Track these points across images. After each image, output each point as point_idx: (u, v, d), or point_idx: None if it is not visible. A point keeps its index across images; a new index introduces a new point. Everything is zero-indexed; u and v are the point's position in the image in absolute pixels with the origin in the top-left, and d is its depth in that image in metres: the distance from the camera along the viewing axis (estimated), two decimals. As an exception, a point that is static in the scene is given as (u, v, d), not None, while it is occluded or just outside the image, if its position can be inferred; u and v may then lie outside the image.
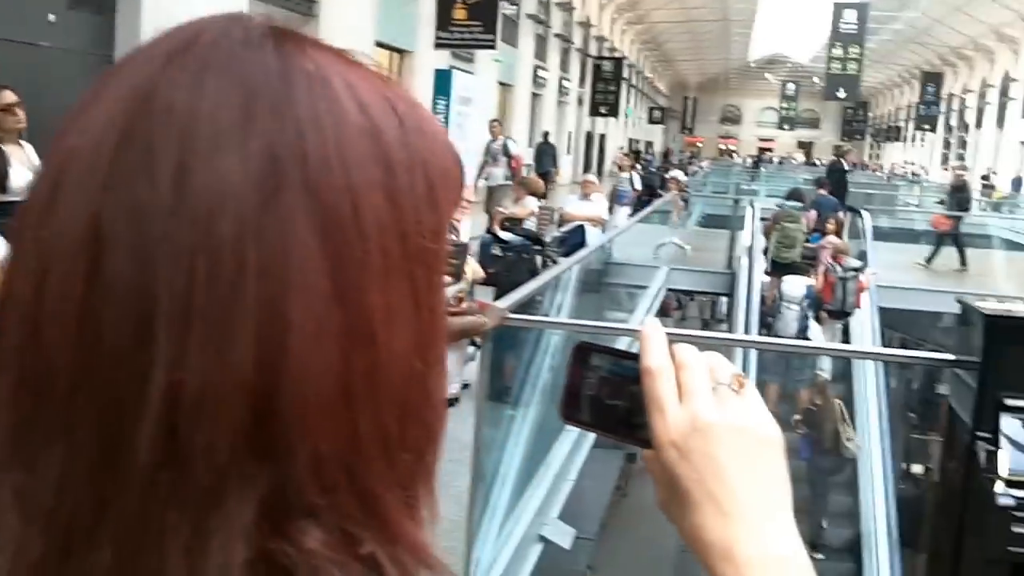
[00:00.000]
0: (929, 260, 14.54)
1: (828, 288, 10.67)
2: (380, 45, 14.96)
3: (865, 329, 10.93)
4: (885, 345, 10.87)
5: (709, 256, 13.51)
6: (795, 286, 10.71)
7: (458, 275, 3.05)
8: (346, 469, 0.46)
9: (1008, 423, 2.77)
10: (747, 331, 10.37)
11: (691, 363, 0.70)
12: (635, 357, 0.72)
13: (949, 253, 14.56)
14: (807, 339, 10.15)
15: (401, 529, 0.48)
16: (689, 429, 0.67)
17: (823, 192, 14.63)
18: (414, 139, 0.50)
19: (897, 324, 12.37)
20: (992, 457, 2.73)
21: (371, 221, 0.47)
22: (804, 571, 0.66)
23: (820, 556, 9.46)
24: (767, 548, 0.65)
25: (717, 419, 0.67)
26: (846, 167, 17.42)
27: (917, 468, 9.82)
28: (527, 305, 4.87)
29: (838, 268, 10.75)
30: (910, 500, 8.41)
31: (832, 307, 10.70)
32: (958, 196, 15.98)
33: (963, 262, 14.33)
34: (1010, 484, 2.67)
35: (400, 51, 16.49)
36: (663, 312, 14.73)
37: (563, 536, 5.30)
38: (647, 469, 0.71)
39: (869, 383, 9.61)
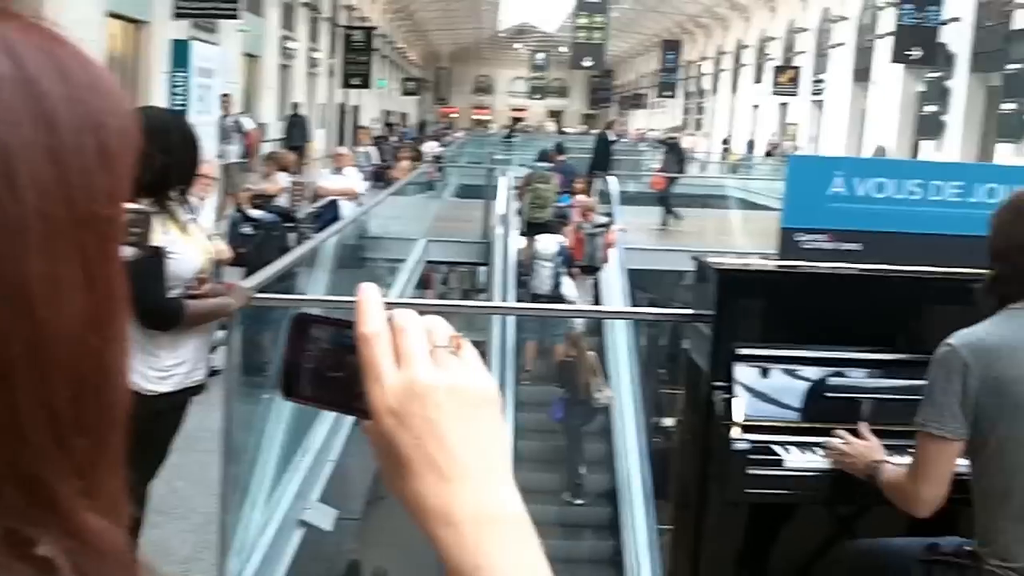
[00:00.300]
0: (664, 223, 15.30)
1: (579, 245, 11.13)
2: (113, 16, 14.03)
3: (615, 290, 11.41)
4: (634, 305, 11.38)
5: (466, 226, 13.65)
6: (548, 244, 11.12)
7: (140, 244, 2.87)
8: (7, 458, 0.42)
9: (741, 372, 2.92)
10: (504, 298, 10.62)
11: (407, 327, 0.68)
12: (353, 325, 0.69)
13: (685, 212, 15.41)
14: (560, 294, 10.62)
15: (80, 522, 0.44)
16: (407, 394, 0.66)
17: (561, 158, 15.51)
18: (85, 97, 0.46)
19: (646, 284, 12.97)
20: (728, 405, 2.86)
21: (28, 183, 0.43)
22: (522, 527, 0.67)
23: (580, 502, 9.87)
24: (486, 507, 0.66)
25: (435, 381, 0.66)
26: (611, 138, 18.03)
27: (668, 421, 10.39)
28: (281, 284, 4.71)
29: (587, 225, 11.24)
30: (661, 452, 8.84)
31: (583, 263, 11.18)
32: (672, 156, 16.85)
33: (667, 221, 15.15)
34: (745, 429, 2.81)
35: (136, 22, 15.55)
36: (424, 284, 14.77)
37: (325, 518, 5.20)
38: (369, 441, 0.69)
39: (619, 342, 10.06)
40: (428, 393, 0.66)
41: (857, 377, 2.98)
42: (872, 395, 2.95)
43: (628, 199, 14.93)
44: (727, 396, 2.88)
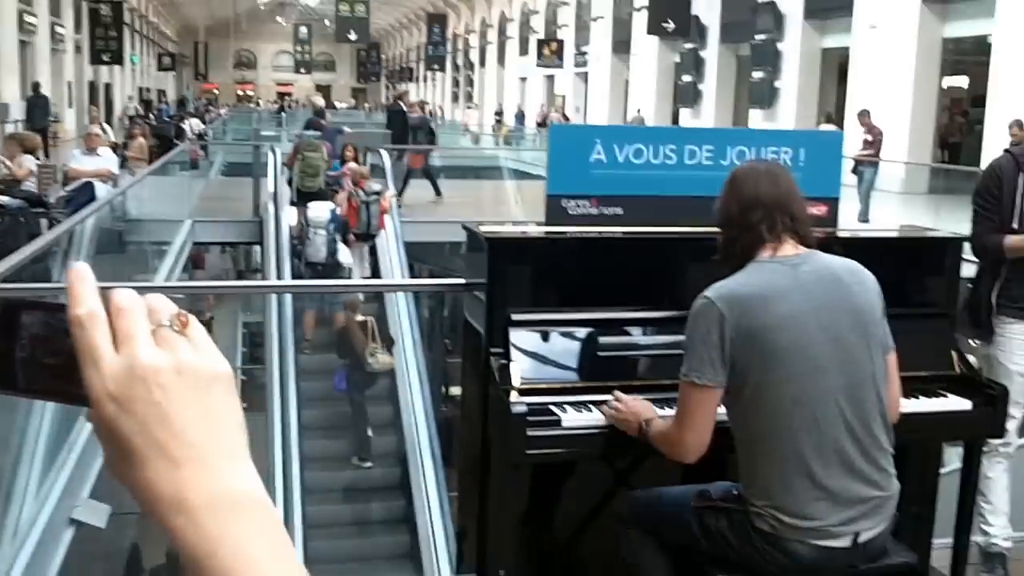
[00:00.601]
0: (439, 194, 15.38)
1: (353, 212, 11.09)
2: None
3: (393, 262, 11.40)
4: (414, 276, 11.42)
5: (236, 205, 13.22)
6: (320, 211, 11.08)
7: None
8: None
9: (517, 336, 2.98)
10: (279, 276, 10.43)
11: (125, 307, 0.64)
12: (67, 308, 0.64)
13: (461, 184, 15.55)
14: (337, 262, 10.64)
15: None
16: (127, 378, 0.62)
17: (324, 123, 15.45)
18: None
19: (424, 256, 13.02)
20: (505, 370, 2.92)
21: None
22: (261, 508, 0.64)
23: (368, 464, 9.89)
24: (221, 491, 0.62)
25: (158, 362, 0.62)
26: (404, 108, 17.77)
27: (454, 390, 10.54)
28: (31, 272, 4.41)
29: (360, 192, 11.19)
30: (450, 421, 8.96)
31: (359, 230, 11.16)
32: (420, 131, 16.93)
33: (437, 192, 15.33)
34: (523, 393, 2.87)
35: None
36: (195, 266, 14.22)
37: (97, 516, 4.94)
38: (93, 430, 0.64)
39: (401, 314, 10.07)
40: (151, 375, 0.62)
41: (627, 336, 3.10)
42: (643, 352, 3.08)
43: (400, 173, 14.89)
44: (504, 361, 2.94)
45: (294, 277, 10.82)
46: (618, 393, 2.84)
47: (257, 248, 13.47)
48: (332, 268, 10.75)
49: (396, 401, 9.80)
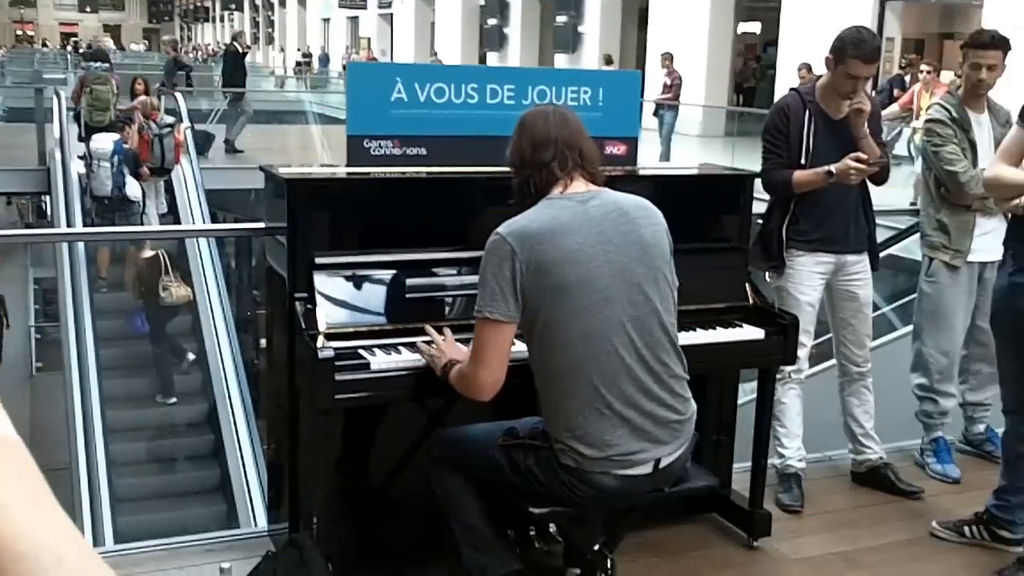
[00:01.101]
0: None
1: (145, 145, 10.74)
2: None
3: (194, 209, 11.04)
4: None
5: (19, 153, 12.39)
6: (103, 143, 10.66)
7: None
8: None
9: (321, 280, 2.91)
10: (70, 224, 9.94)
11: None
12: None
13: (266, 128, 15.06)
14: (125, 195, 10.32)
15: None
16: None
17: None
18: None
19: (228, 204, 12.58)
20: (311, 314, 2.85)
21: None
22: (13, 452, 0.60)
23: (172, 400, 9.68)
24: None
25: None
26: (240, 50, 16.90)
27: (264, 342, 10.32)
28: None
29: (152, 125, 10.86)
30: (263, 373, 8.78)
31: (152, 164, 10.83)
32: (177, 73, 16.37)
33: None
34: (330, 337, 2.81)
35: None
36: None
37: None
38: None
39: (205, 263, 9.77)
40: None
41: (434, 277, 3.08)
42: (449, 293, 3.07)
43: (201, 117, 14.30)
44: (310, 306, 2.87)
45: (83, 213, 10.44)
46: (430, 329, 2.83)
47: (46, 199, 12.71)
48: (119, 202, 10.34)
49: (201, 338, 9.54)
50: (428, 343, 2.80)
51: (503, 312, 2.48)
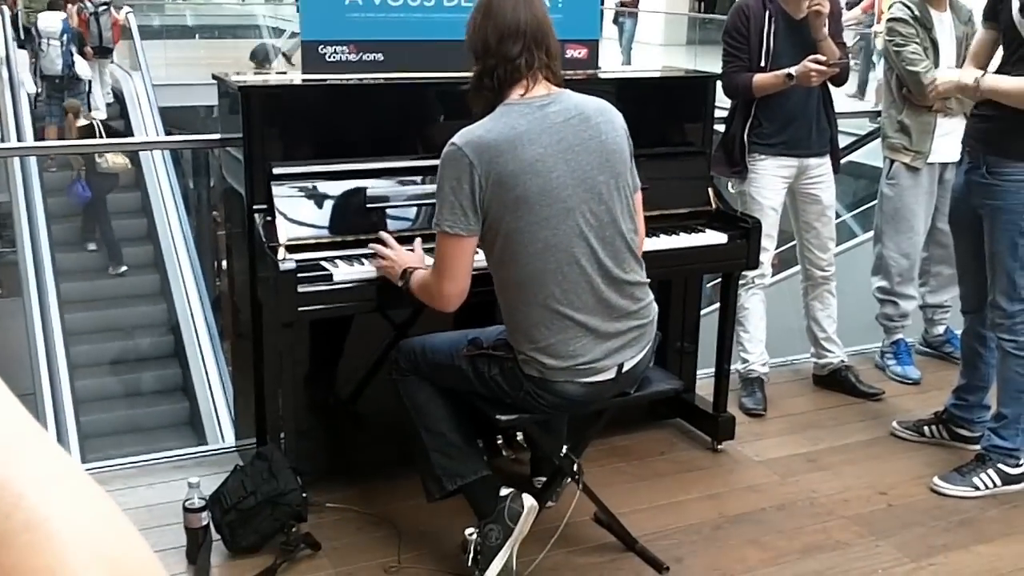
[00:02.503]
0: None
1: (84, 25, 11.03)
2: None
3: (147, 123, 10.86)
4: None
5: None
6: (51, 21, 10.82)
7: None
8: None
9: (279, 191, 2.86)
10: (20, 139, 9.78)
11: None
12: None
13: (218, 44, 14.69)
14: (75, 74, 10.74)
15: None
16: None
17: None
18: None
19: (182, 123, 12.32)
20: (270, 226, 2.80)
21: None
22: None
23: (123, 268, 10.08)
24: None
25: None
26: None
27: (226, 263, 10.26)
28: None
29: (88, 4, 11.12)
30: (226, 295, 8.72)
31: (92, 43, 11.14)
32: None
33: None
34: (290, 249, 2.77)
35: None
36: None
37: None
38: None
39: (163, 184, 9.64)
40: None
41: (395, 186, 3.03)
42: (411, 202, 3.02)
43: (152, 33, 13.91)
44: (269, 218, 2.82)
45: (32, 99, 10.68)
46: (383, 235, 2.78)
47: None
48: (70, 80, 10.66)
49: (162, 263, 9.45)
50: (371, 256, 2.76)
51: (464, 227, 2.43)
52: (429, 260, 2.65)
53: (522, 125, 2.44)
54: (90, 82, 10.85)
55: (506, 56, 2.48)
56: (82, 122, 10.00)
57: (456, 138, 2.44)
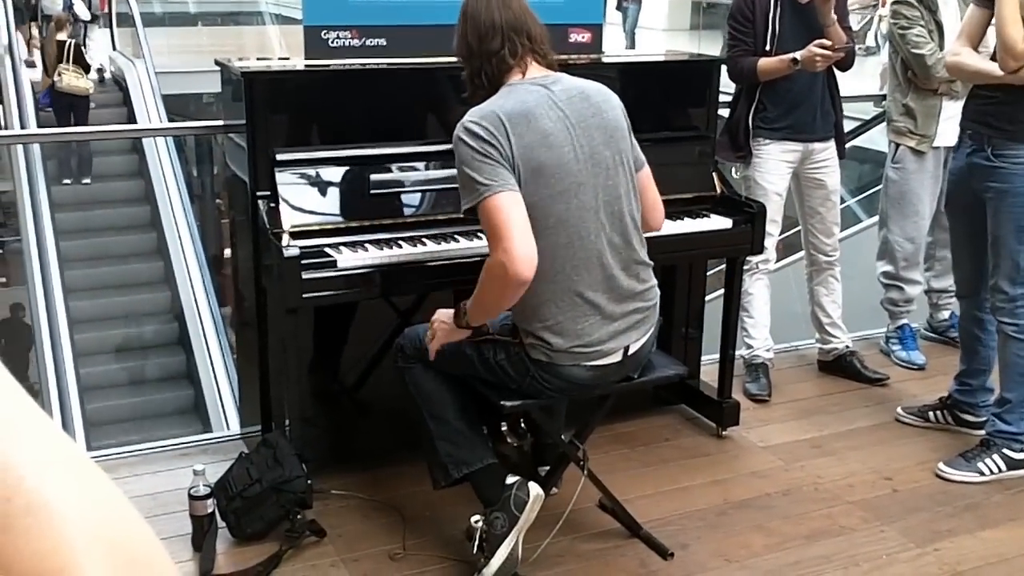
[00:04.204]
0: None
1: None
2: None
3: (151, 110, 10.84)
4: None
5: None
6: None
7: None
8: None
9: (283, 178, 2.85)
10: (24, 126, 9.78)
11: None
12: None
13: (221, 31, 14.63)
14: (76, 14, 11.42)
15: None
16: None
17: None
18: None
19: (186, 111, 12.30)
20: (274, 213, 2.79)
21: None
22: None
23: (86, 180, 10.16)
24: None
25: None
26: None
27: (229, 252, 10.25)
28: None
29: None
30: (228, 280, 8.72)
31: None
32: None
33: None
34: (295, 236, 2.77)
35: None
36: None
37: None
38: None
39: (167, 172, 9.63)
40: None
41: (399, 172, 3.02)
42: (415, 188, 3.02)
43: (154, 20, 13.87)
44: (273, 204, 2.81)
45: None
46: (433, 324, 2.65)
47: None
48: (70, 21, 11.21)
49: (166, 251, 9.40)
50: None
51: (504, 181, 2.33)
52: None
53: (531, 100, 2.44)
54: (87, 24, 11.61)
55: (489, 52, 2.49)
56: (62, 36, 10.49)
57: (469, 116, 2.41)
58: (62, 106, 10.51)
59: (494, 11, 2.51)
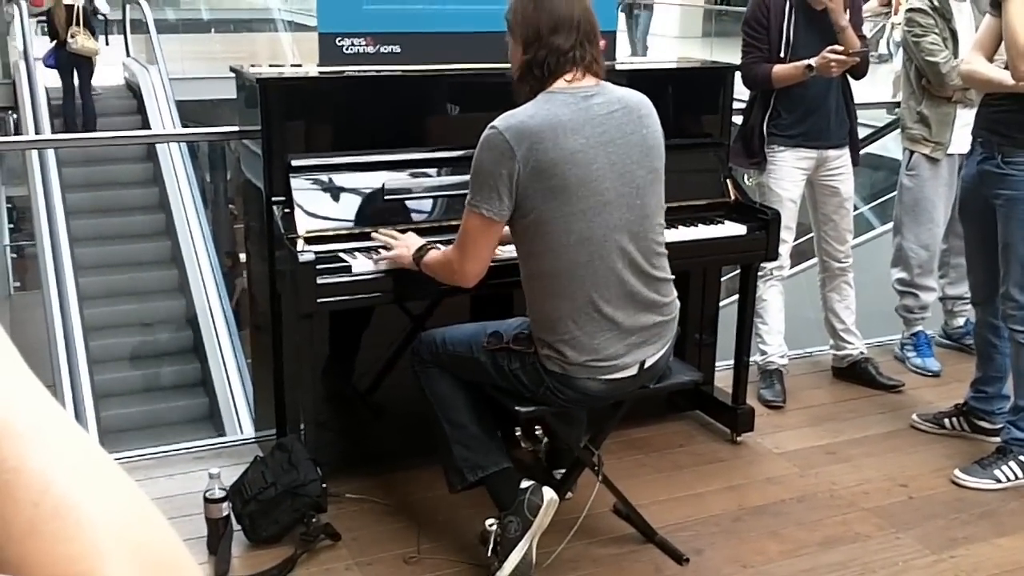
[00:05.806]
0: None
1: None
2: None
3: (164, 116, 10.89)
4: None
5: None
6: None
7: None
8: None
9: (297, 183, 2.86)
10: (39, 132, 9.84)
11: None
12: None
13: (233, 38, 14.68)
14: (96, 7, 11.32)
15: None
16: None
17: None
18: None
19: (200, 117, 12.35)
20: (289, 218, 2.81)
21: None
22: None
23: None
24: None
25: None
26: None
27: (243, 256, 10.25)
28: None
29: None
30: (242, 285, 8.73)
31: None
32: None
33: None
34: (309, 241, 2.78)
35: None
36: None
37: None
38: None
39: (181, 179, 9.66)
40: None
41: (412, 178, 3.03)
42: (428, 194, 3.03)
43: (168, 27, 13.93)
44: (288, 210, 2.83)
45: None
46: (381, 230, 2.80)
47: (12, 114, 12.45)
48: (90, 14, 11.22)
49: (180, 257, 9.45)
50: (377, 249, 2.78)
51: (496, 211, 2.42)
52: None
53: (565, 114, 2.42)
54: (107, 17, 11.85)
55: (558, 47, 2.45)
56: (69, 1, 10.83)
57: (498, 121, 2.42)
58: (68, 64, 10.89)
59: (573, 3, 2.47)
